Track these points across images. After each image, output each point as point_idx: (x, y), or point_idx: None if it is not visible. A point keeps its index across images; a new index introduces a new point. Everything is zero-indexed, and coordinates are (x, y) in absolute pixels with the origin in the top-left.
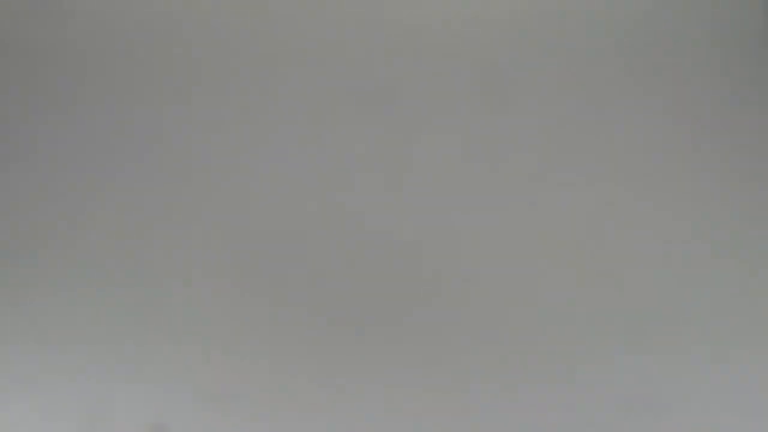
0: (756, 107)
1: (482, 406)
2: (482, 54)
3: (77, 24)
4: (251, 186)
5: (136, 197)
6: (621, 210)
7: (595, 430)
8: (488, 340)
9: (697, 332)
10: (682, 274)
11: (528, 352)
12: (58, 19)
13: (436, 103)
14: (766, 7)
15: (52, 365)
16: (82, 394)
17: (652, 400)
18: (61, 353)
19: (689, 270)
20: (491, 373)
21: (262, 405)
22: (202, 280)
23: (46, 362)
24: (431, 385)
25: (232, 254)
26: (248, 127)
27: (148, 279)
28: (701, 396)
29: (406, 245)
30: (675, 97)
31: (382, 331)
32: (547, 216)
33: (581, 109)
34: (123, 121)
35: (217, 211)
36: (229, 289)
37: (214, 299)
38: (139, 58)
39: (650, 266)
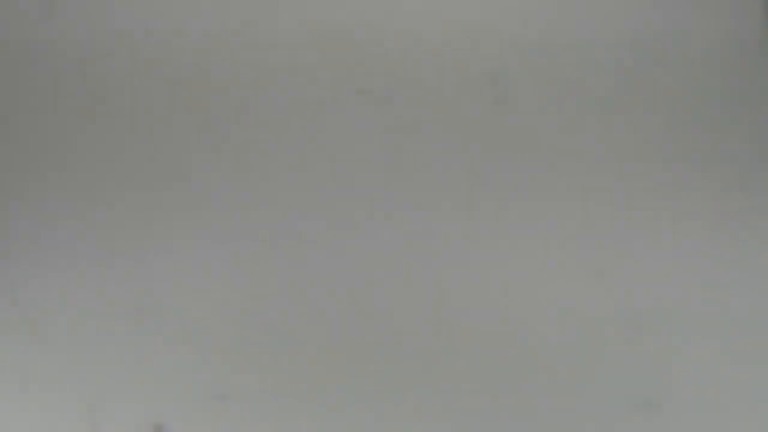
0: (756, 111)
1: (482, 404)
2: (483, 54)
3: (74, 23)
4: (251, 186)
5: (137, 197)
6: (622, 212)
7: (596, 430)
8: (488, 341)
9: (698, 332)
10: (682, 275)
11: (528, 352)
12: (54, 19)
13: (437, 105)
14: (766, 10)
15: (52, 364)
16: (82, 394)
17: (652, 400)
18: (61, 353)
19: (689, 270)
20: (491, 372)
21: (262, 405)
22: (203, 280)
23: (46, 361)
24: (429, 383)
25: (233, 255)
26: (246, 129)
27: (148, 279)
28: (701, 396)
29: (404, 248)
30: (675, 101)
31: (381, 332)
32: (548, 219)
33: (582, 113)
34: (123, 125)
35: (216, 212)
36: (229, 290)
37: (215, 300)
38: (140, 57)
39: (651, 267)
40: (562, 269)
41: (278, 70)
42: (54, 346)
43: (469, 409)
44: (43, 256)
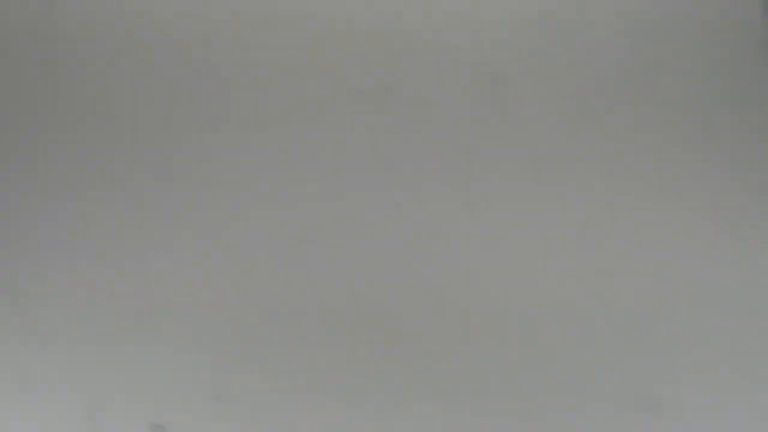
0: (755, 109)
1: (482, 404)
2: (483, 54)
3: (73, 24)
4: (251, 186)
5: (138, 200)
6: (621, 212)
7: (596, 430)
8: (488, 342)
9: (697, 332)
10: (681, 275)
11: (527, 352)
12: (56, 18)
13: (435, 103)
14: (765, 9)
15: (52, 365)
16: (82, 394)
17: (652, 400)
18: (61, 353)
19: (689, 271)
20: (491, 372)
21: (261, 406)
22: (202, 282)
23: (46, 362)
24: (428, 383)
25: (233, 255)
26: (246, 129)
27: (148, 279)
28: (701, 395)
29: (404, 248)
30: (674, 100)
31: (379, 334)
32: (547, 218)
33: (581, 111)
34: (123, 126)
35: (216, 214)
36: (228, 292)
37: (215, 301)
38: (138, 60)
39: (650, 267)
40: (562, 269)
41: (278, 70)
42: (54, 346)
43: (469, 409)
44: (43, 256)
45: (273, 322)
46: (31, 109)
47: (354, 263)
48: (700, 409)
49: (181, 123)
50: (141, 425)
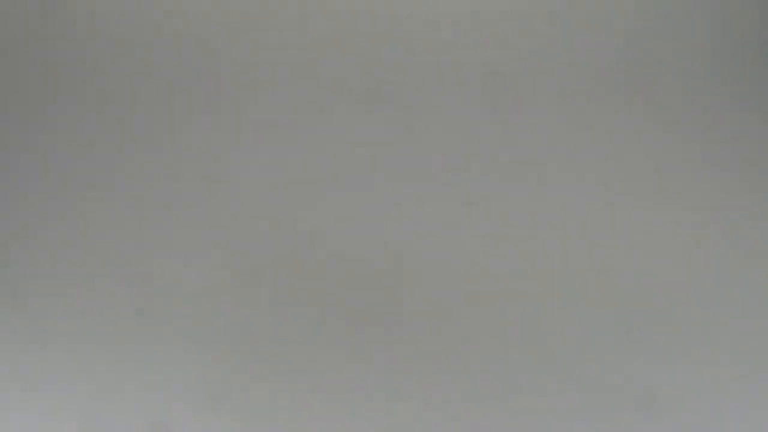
0: (755, 109)
1: (483, 406)
2: (482, 54)
3: (73, 24)
4: (250, 189)
5: (137, 201)
6: (621, 212)
7: (595, 430)
8: (488, 341)
9: (697, 332)
10: (681, 275)
11: (528, 353)
12: (56, 18)
13: (435, 103)
14: (765, 9)
15: (52, 365)
16: (82, 394)
17: (652, 399)
18: (61, 353)
19: (689, 270)
20: (490, 372)
21: (261, 406)
22: (202, 282)
23: (46, 362)
24: (428, 383)
25: (231, 256)
26: (246, 129)
27: (148, 281)
28: (701, 395)
29: (403, 247)
30: (674, 100)
31: (378, 333)
32: (547, 218)
33: (581, 111)
34: (123, 126)
35: (215, 214)
36: (228, 291)
37: (214, 301)
38: (138, 60)
39: (650, 267)
40: (562, 269)
41: (278, 70)
42: (54, 346)
43: (468, 409)
44: (43, 256)
45: (273, 322)
46: (31, 109)
47: (354, 263)
48: (700, 409)
49: (181, 123)
50: (141, 425)
